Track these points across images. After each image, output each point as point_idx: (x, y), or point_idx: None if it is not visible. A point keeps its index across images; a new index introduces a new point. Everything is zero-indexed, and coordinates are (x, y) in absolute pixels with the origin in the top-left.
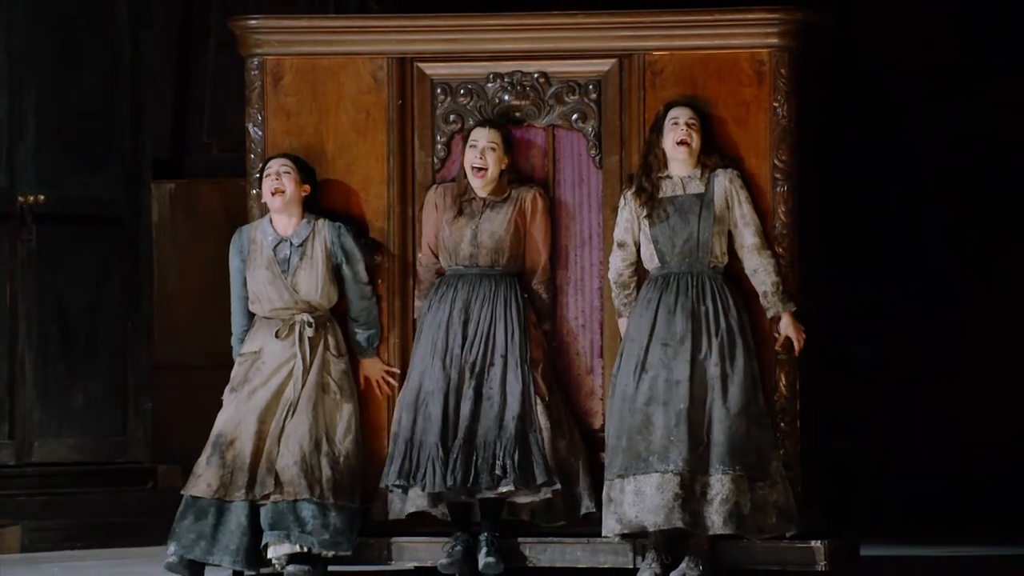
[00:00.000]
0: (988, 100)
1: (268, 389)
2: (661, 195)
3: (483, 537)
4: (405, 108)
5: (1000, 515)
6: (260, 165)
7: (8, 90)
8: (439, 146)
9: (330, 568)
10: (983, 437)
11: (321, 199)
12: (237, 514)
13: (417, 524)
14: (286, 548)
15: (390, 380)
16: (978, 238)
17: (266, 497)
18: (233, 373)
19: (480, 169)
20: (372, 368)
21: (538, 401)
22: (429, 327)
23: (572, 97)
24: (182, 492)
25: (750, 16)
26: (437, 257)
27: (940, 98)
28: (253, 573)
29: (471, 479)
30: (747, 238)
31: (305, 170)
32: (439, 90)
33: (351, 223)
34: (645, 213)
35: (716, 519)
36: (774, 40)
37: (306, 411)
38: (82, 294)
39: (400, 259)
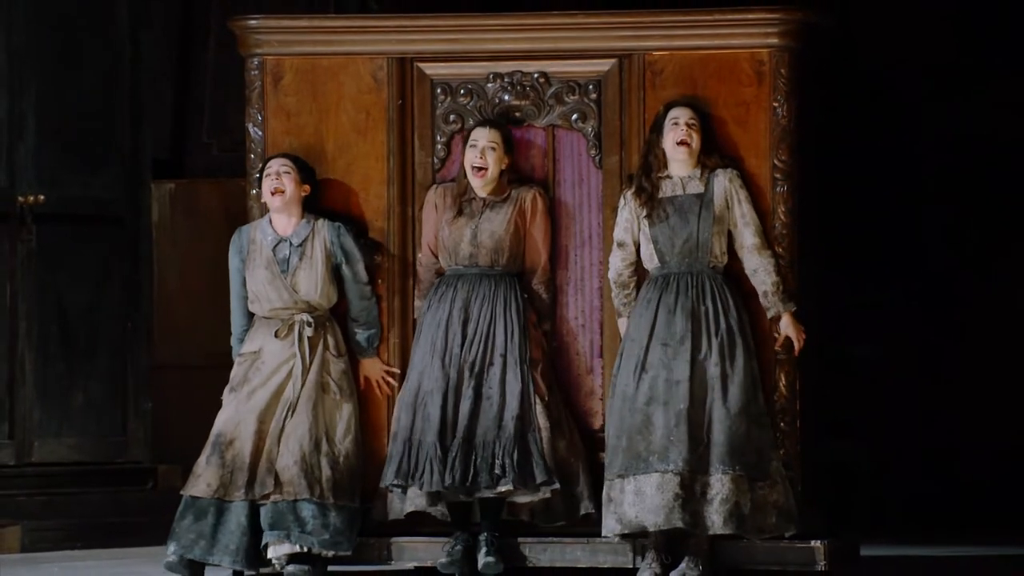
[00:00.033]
0: (988, 100)
1: (268, 389)
2: (661, 195)
3: (483, 537)
4: (405, 108)
5: (1000, 515)
6: (260, 165)
7: (8, 90)
8: (439, 146)
9: (330, 568)
10: (983, 437)
11: (321, 199)
12: (237, 514)
13: (417, 524)
14: (286, 548)
15: (390, 380)
16: (978, 238)
17: (266, 497)
18: (233, 373)
19: (480, 169)
20: (372, 368)
21: (537, 401)
22: (429, 327)
23: (572, 97)
24: (182, 492)
25: (750, 16)
26: (437, 257)
27: (940, 98)
28: (253, 573)
29: (470, 478)
30: (747, 238)
31: (305, 170)
32: (439, 90)
33: (351, 223)
34: (645, 213)
35: (716, 519)
36: (774, 40)
37: (306, 411)
38: (82, 294)
39: (400, 259)
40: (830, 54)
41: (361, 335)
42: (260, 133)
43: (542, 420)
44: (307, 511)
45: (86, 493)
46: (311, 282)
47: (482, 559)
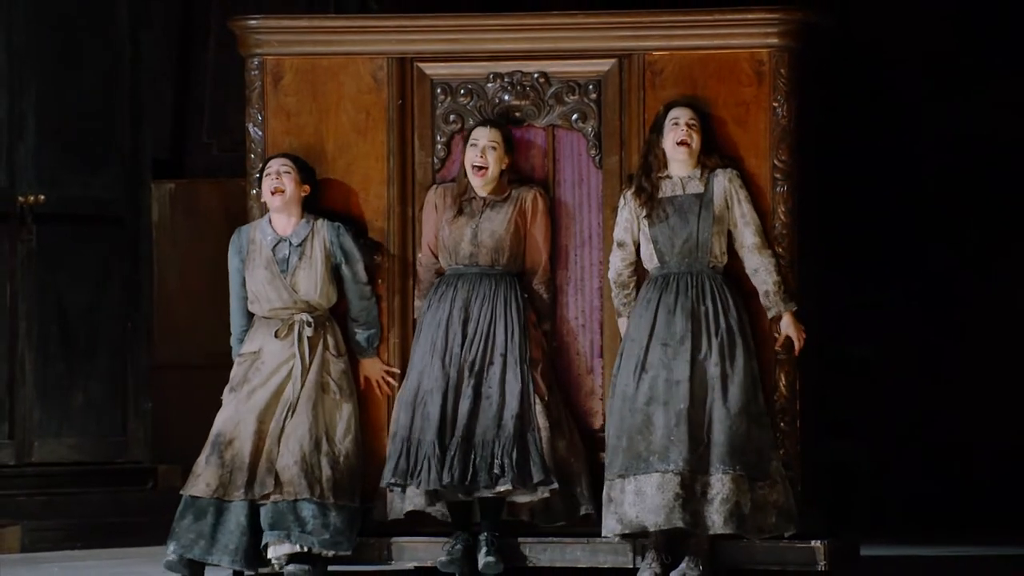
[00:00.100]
0: (988, 100)
1: (267, 389)
2: (661, 195)
3: (483, 537)
4: (405, 108)
5: (1000, 515)
6: (260, 165)
7: (8, 90)
8: (439, 146)
9: (330, 568)
10: (983, 437)
11: (321, 199)
12: (236, 514)
13: (417, 524)
14: (286, 548)
15: (390, 380)
16: (978, 238)
17: (266, 497)
18: (232, 373)
19: (480, 168)
20: (372, 368)
21: (537, 401)
22: (429, 326)
23: (572, 97)
24: (181, 492)
25: (750, 16)
26: (437, 257)
27: (940, 98)
28: (252, 573)
29: (469, 477)
30: (747, 238)
31: (305, 170)
32: (439, 90)
33: (351, 223)
34: (645, 213)
35: (716, 519)
36: (774, 40)
37: (306, 411)
38: (82, 294)
39: (400, 259)
40: (830, 54)
41: (361, 335)
42: (260, 133)
43: (542, 420)
44: (307, 511)
45: (86, 493)
46: (311, 282)
47: (482, 559)
